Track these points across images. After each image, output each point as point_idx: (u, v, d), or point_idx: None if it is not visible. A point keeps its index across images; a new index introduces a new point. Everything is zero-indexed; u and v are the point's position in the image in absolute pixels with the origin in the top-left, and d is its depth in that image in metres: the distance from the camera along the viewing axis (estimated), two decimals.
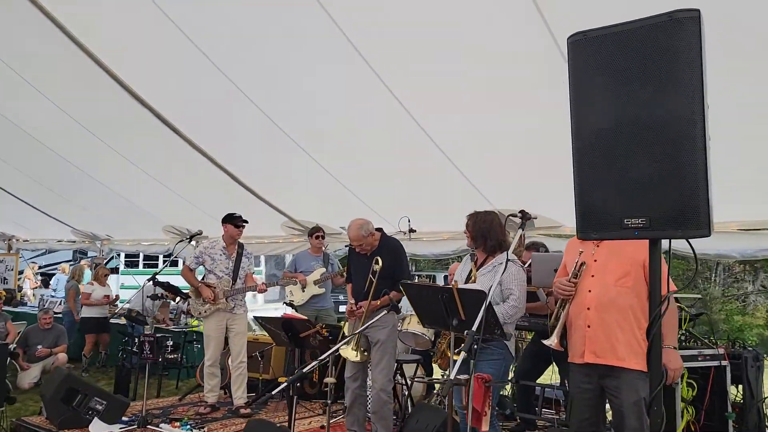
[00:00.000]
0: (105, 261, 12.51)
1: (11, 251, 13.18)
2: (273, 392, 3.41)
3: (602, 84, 2.08)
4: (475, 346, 2.86)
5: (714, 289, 22.00)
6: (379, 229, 4.95)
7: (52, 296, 12.15)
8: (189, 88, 6.02)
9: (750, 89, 4.21)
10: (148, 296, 6.14)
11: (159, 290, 6.35)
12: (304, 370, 3.24)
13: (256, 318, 5.35)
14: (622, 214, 2.05)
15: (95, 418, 5.19)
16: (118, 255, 16.31)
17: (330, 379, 4.44)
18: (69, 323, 9.60)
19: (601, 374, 3.48)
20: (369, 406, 4.93)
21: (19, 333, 8.41)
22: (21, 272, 14.04)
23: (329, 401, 4.39)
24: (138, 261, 17.03)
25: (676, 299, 4.98)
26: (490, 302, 3.22)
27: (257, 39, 5.07)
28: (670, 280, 3.46)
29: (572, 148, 2.14)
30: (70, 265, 14.48)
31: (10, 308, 11.53)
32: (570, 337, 3.67)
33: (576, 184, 2.15)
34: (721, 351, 4.66)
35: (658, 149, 1.98)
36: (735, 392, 4.96)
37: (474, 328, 2.85)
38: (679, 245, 6.25)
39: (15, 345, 8.06)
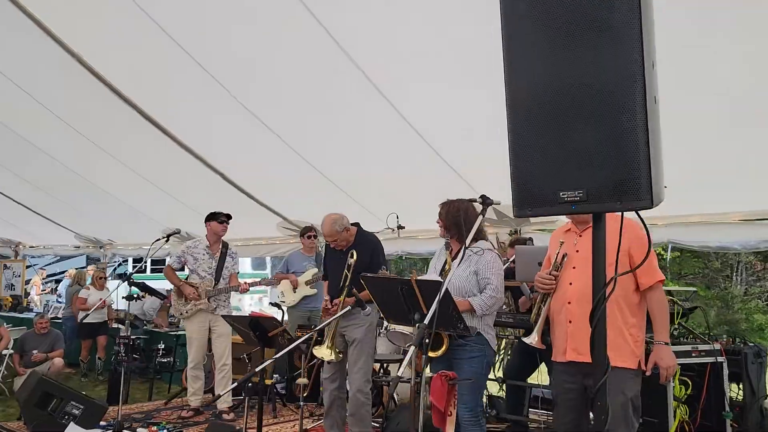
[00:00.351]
0: (115, 266, 12.46)
1: (18, 257, 13.22)
2: (222, 393, 3.24)
3: (536, 41, 1.86)
4: (427, 341, 2.66)
5: (735, 288, 21.54)
6: (356, 224, 4.77)
7: (58, 301, 12.12)
8: (184, 96, 5.99)
9: (748, 76, 4.00)
10: (123, 297, 6.01)
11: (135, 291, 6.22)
12: (257, 369, 3.06)
13: (224, 317, 5.19)
14: (558, 188, 1.84)
15: (71, 423, 5.05)
16: (126, 261, 16.30)
17: (303, 380, 4.28)
18: (71, 328, 9.54)
19: (585, 373, 3.25)
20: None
21: (15, 339, 8.36)
22: (28, 282, 14.05)
23: (302, 403, 4.22)
24: (146, 266, 17.02)
25: (669, 293, 4.74)
26: (448, 294, 3.02)
27: (248, 44, 5.03)
28: (657, 270, 3.24)
29: (507, 115, 1.94)
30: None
31: (16, 314, 11.55)
32: (552, 334, 3.46)
33: (510, 155, 1.94)
34: (718, 346, 4.39)
35: (595, 113, 1.77)
36: (737, 390, 4.70)
37: (426, 321, 2.65)
38: (679, 237, 5.96)
39: (11, 351, 8.02)
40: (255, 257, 13.15)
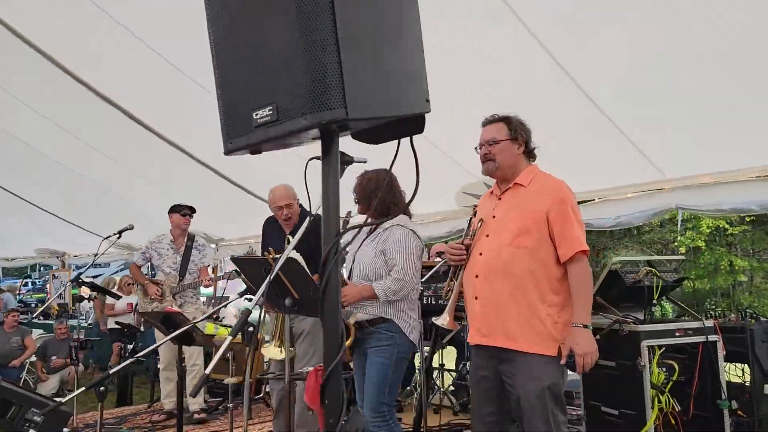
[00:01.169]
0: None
1: (65, 267, 13.55)
2: (67, 398, 2.88)
3: None
4: (251, 329, 2.21)
5: None
6: (300, 205, 4.34)
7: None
8: (201, 119, 5.78)
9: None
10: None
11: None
12: (110, 372, 2.70)
13: (140, 314, 4.88)
14: (252, 107, 1.36)
15: (31, 431, 4.87)
16: None
17: (231, 379, 3.90)
18: (95, 334, 9.65)
19: (499, 358, 2.72)
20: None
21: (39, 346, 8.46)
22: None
23: (230, 405, 3.84)
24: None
25: (649, 263, 4.06)
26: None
27: None
28: (577, 240, 2.66)
29: (206, 21, 1.47)
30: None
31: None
32: (466, 313, 2.95)
33: (215, 74, 1.47)
34: (710, 323, 3.67)
35: (280, 8, 1.28)
36: (743, 373, 3.97)
37: (252, 304, 2.19)
38: (687, 201, 5.16)
39: (35, 358, 8.15)
40: None
